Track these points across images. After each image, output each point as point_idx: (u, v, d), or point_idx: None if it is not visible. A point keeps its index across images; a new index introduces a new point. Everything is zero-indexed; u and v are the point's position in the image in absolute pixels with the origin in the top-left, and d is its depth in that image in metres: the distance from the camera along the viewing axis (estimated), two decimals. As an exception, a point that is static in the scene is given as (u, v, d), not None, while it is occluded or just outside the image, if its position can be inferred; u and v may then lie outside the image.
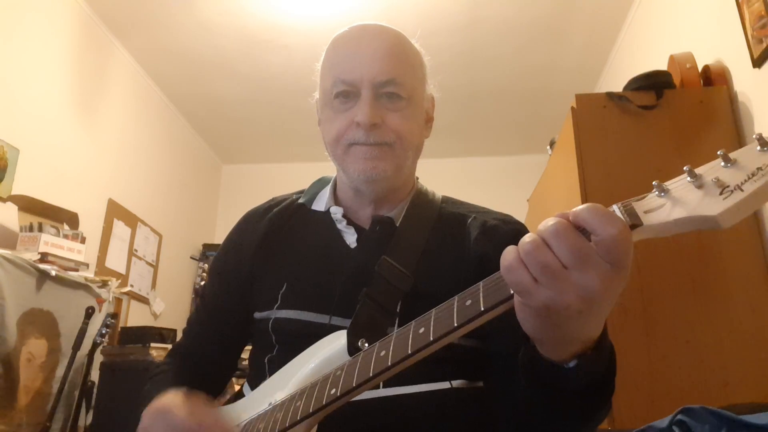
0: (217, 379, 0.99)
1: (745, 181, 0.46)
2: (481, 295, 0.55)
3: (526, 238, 0.50)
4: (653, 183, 0.50)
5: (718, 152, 0.48)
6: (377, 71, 0.84)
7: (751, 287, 1.76)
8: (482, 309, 0.54)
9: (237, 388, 0.99)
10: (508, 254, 0.51)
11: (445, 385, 0.78)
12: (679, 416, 1.09)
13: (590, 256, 0.48)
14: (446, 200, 0.98)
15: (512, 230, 0.89)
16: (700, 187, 0.48)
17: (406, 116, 0.87)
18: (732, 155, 0.48)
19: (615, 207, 0.51)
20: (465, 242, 0.87)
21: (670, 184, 0.50)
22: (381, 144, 0.85)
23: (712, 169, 0.48)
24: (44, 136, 2.92)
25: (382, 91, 0.85)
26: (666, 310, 1.77)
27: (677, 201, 0.48)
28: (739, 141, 1.94)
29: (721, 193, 0.46)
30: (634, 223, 0.49)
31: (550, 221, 0.50)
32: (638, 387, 1.69)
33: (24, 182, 2.70)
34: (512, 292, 0.52)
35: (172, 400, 0.71)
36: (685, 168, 0.49)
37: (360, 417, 0.72)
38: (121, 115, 3.69)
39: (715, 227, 0.46)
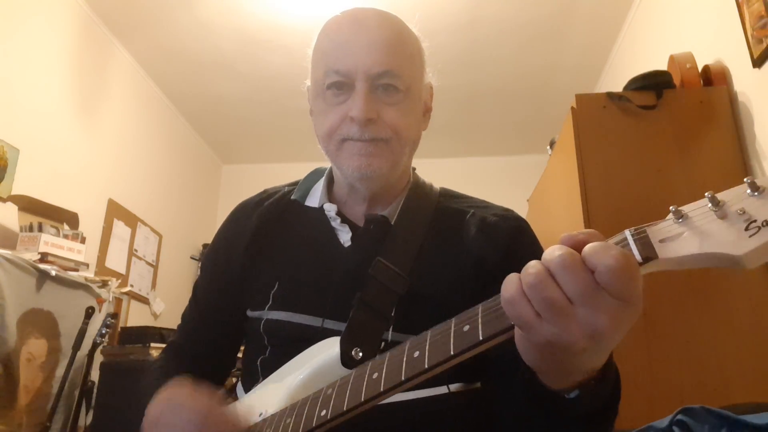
0: (213, 377, 0.95)
1: None
2: (479, 321, 0.52)
3: (530, 269, 0.46)
4: (670, 208, 0.45)
5: (745, 179, 0.43)
6: (373, 62, 0.78)
7: (751, 287, 1.76)
8: (480, 339, 0.51)
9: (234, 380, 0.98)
10: (510, 285, 0.47)
11: (442, 389, 0.76)
12: (679, 416, 1.08)
13: (598, 291, 0.44)
14: (444, 193, 0.94)
15: (512, 227, 0.84)
16: (723, 217, 0.42)
17: (403, 110, 0.82)
18: (759, 182, 0.42)
19: (627, 233, 0.46)
20: (463, 240, 0.84)
21: (689, 210, 0.45)
22: (376, 140, 0.80)
23: (736, 197, 0.43)
24: (44, 136, 2.92)
25: (378, 83, 0.79)
26: (666, 310, 1.76)
27: (697, 232, 0.43)
28: (739, 141, 1.94)
29: (746, 228, 0.41)
30: (649, 255, 0.44)
31: (556, 251, 0.45)
32: (638, 387, 1.69)
33: (24, 182, 2.70)
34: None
35: (179, 389, 0.70)
36: (706, 194, 0.44)
37: (355, 424, 0.72)
38: (121, 115, 3.68)
39: (739, 267, 0.42)
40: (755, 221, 0.41)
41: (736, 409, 1.07)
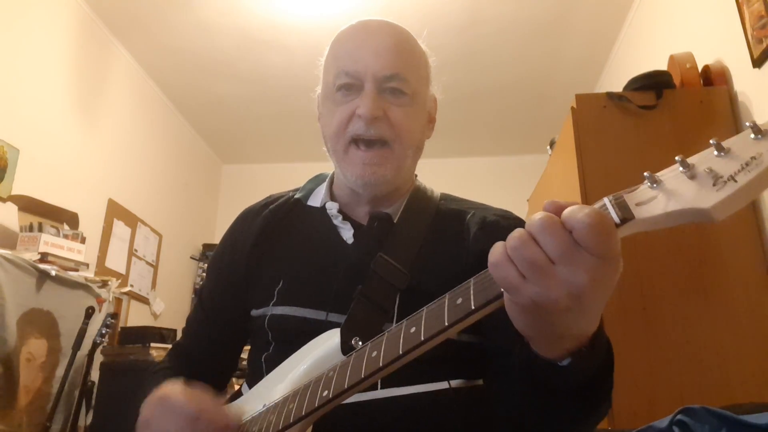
0: (216, 378, 0.97)
1: (739, 171, 0.44)
2: (471, 292, 0.54)
3: (514, 233, 0.49)
4: (644, 174, 0.48)
5: (711, 141, 0.46)
6: (382, 65, 0.83)
7: (751, 287, 1.76)
8: (473, 308, 0.53)
9: (237, 388, 0.98)
10: (496, 250, 0.50)
11: (443, 385, 0.78)
12: (679, 416, 1.08)
13: (577, 249, 0.46)
14: (444, 197, 0.97)
15: (512, 226, 0.85)
16: (692, 177, 0.46)
17: (408, 113, 0.86)
18: (725, 144, 0.46)
19: (606, 200, 0.49)
20: (464, 239, 0.86)
21: (661, 175, 0.48)
22: (382, 143, 0.84)
23: (704, 159, 0.46)
24: (44, 136, 2.92)
25: (386, 86, 0.84)
26: (666, 310, 1.76)
27: (669, 193, 0.47)
28: (739, 141, 1.94)
29: (714, 184, 0.44)
30: (626, 216, 0.47)
31: (537, 215, 0.49)
32: (638, 387, 1.69)
33: (24, 182, 2.70)
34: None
35: (171, 389, 0.71)
36: (677, 158, 0.47)
37: (358, 418, 0.72)
38: (121, 115, 3.69)
39: (709, 220, 0.45)
40: (722, 177, 0.44)
41: (736, 409, 1.07)
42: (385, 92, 0.84)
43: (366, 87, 0.83)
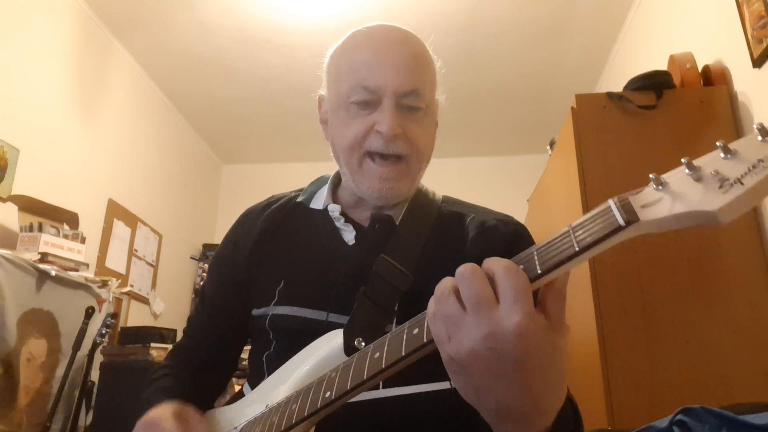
0: (217, 378, 0.98)
1: (746, 174, 0.43)
2: None
3: (440, 285, 0.51)
4: (650, 176, 0.48)
5: (718, 143, 0.46)
6: (402, 81, 0.82)
7: (751, 287, 1.76)
8: None
9: (237, 388, 0.99)
10: (430, 302, 0.51)
11: (445, 385, 0.78)
12: (679, 416, 1.08)
13: (491, 299, 0.47)
14: (446, 200, 0.97)
15: (511, 231, 0.87)
16: (698, 180, 0.45)
17: (424, 127, 0.87)
18: (732, 146, 0.45)
19: (611, 202, 0.49)
20: (463, 242, 0.86)
21: (667, 177, 0.48)
22: (398, 158, 0.84)
23: (711, 161, 0.46)
24: (44, 136, 2.92)
25: (404, 102, 0.83)
26: (666, 310, 1.76)
27: (675, 195, 0.46)
28: (739, 141, 1.94)
29: (720, 187, 0.44)
30: (631, 219, 0.47)
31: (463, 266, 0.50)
32: (638, 387, 1.69)
33: (24, 182, 2.70)
34: None
35: (162, 413, 0.74)
36: (683, 160, 0.47)
37: (360, 418, 0.72)
38: (121, 115, 3.69)
39: (715, 223, 0.44)
40: (728, 179, 0.44)
41: (736, 409, 1.07)
42: (403, 108, 0.83)
43: (385, 103, 0.82)
